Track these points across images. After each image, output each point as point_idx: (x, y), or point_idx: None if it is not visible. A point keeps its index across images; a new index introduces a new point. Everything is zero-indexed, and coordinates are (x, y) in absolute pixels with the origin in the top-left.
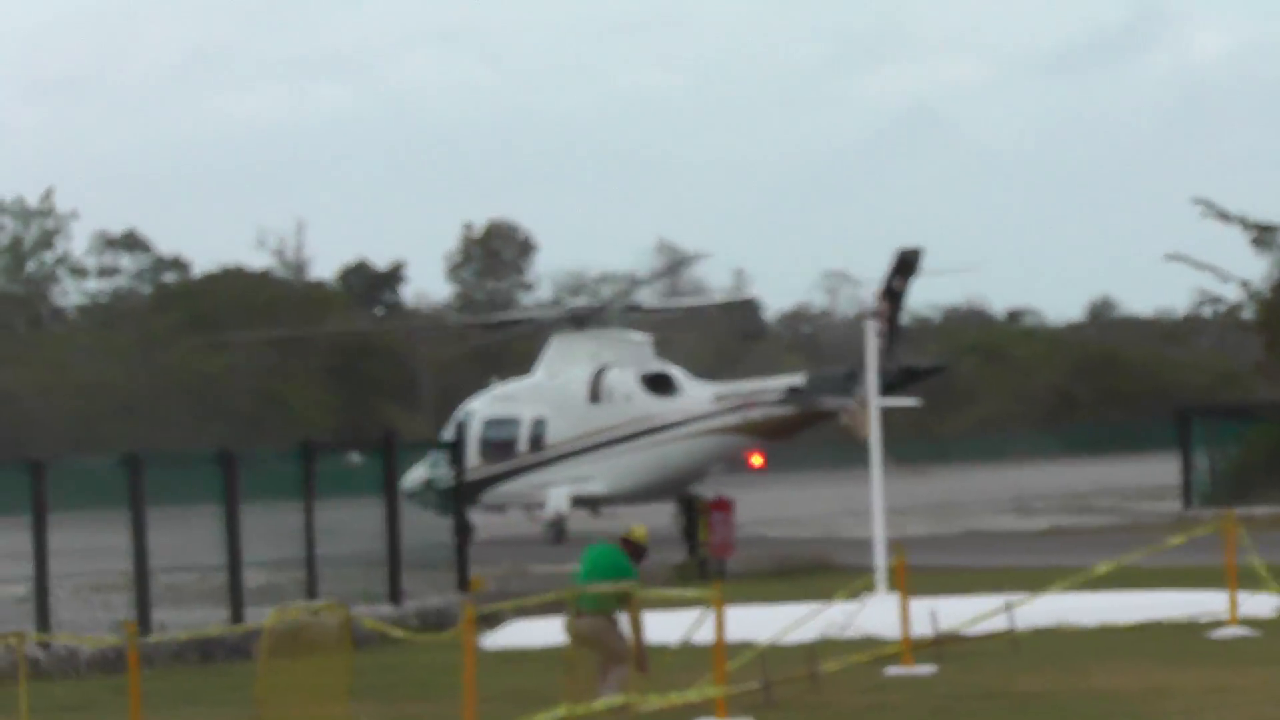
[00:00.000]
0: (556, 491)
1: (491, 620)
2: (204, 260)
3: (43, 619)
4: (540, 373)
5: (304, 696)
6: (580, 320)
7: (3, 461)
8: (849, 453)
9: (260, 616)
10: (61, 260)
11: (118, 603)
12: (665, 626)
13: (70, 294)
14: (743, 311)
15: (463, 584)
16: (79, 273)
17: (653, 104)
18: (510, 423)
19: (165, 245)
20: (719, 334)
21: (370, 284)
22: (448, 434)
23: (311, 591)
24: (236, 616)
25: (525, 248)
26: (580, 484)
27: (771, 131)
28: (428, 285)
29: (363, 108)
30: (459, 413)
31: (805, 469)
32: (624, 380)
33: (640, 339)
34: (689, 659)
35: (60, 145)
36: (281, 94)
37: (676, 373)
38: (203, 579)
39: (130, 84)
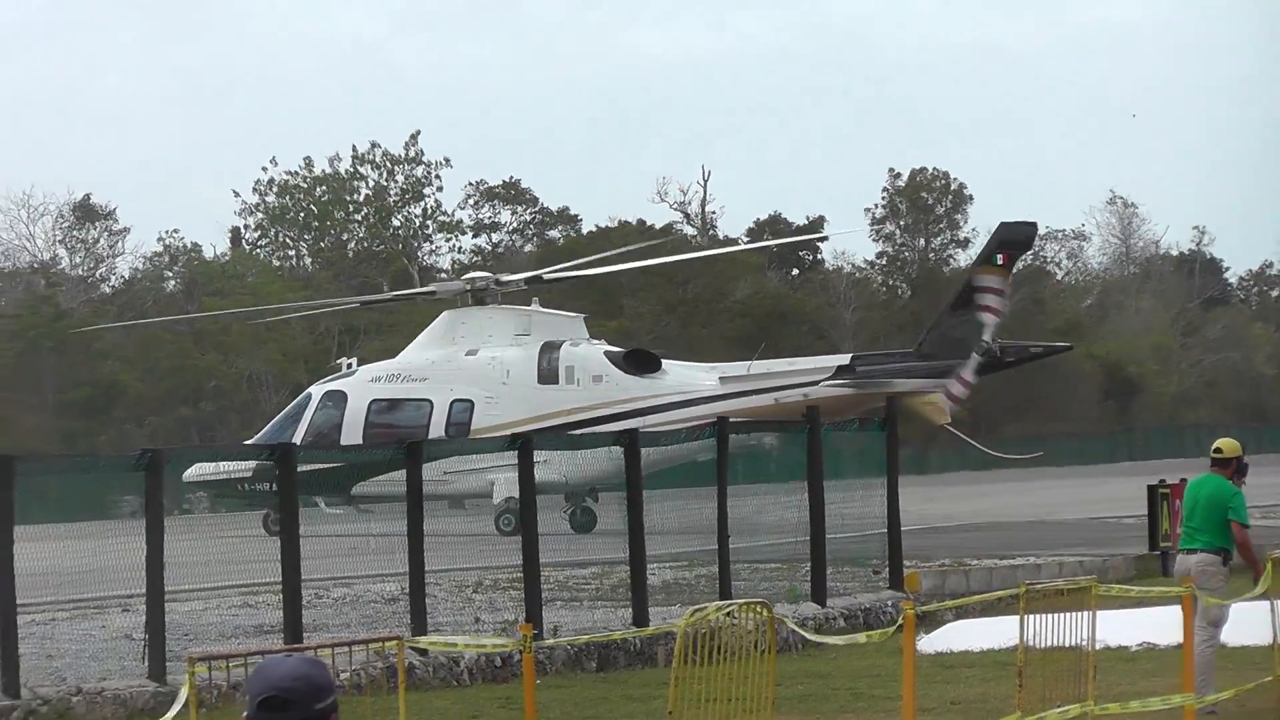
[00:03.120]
0: (505, 478)
1: (928, 621)
2: (594, 214)
3: (419, 621)
4: (435, 350)
5: (721, 707)
6: (479, 295)
7: (373, 448)
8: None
9: (663, 617)
10: (432, 214)
11: (502, 603)
12: (1126, 626)
13: (442, 252)
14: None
15: (896, 581)
16: (452, 228)
17: (1113, 45)
18: (411, 405)
19: (550, 197)
20: (1175, 298)
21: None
22: (287, 421)
23: (724, 590)
24: (640, 618)
25: (958, 199)
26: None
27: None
28: (849, 243)
29: (784, 42)
30: (302, 397)
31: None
32: (589, 358)
33: (571, 315)
34: (1157, 663)
35: (431, 85)
36: (690, 28)
37: (656, 353)
38: (600, 576)
39: (522, 19)
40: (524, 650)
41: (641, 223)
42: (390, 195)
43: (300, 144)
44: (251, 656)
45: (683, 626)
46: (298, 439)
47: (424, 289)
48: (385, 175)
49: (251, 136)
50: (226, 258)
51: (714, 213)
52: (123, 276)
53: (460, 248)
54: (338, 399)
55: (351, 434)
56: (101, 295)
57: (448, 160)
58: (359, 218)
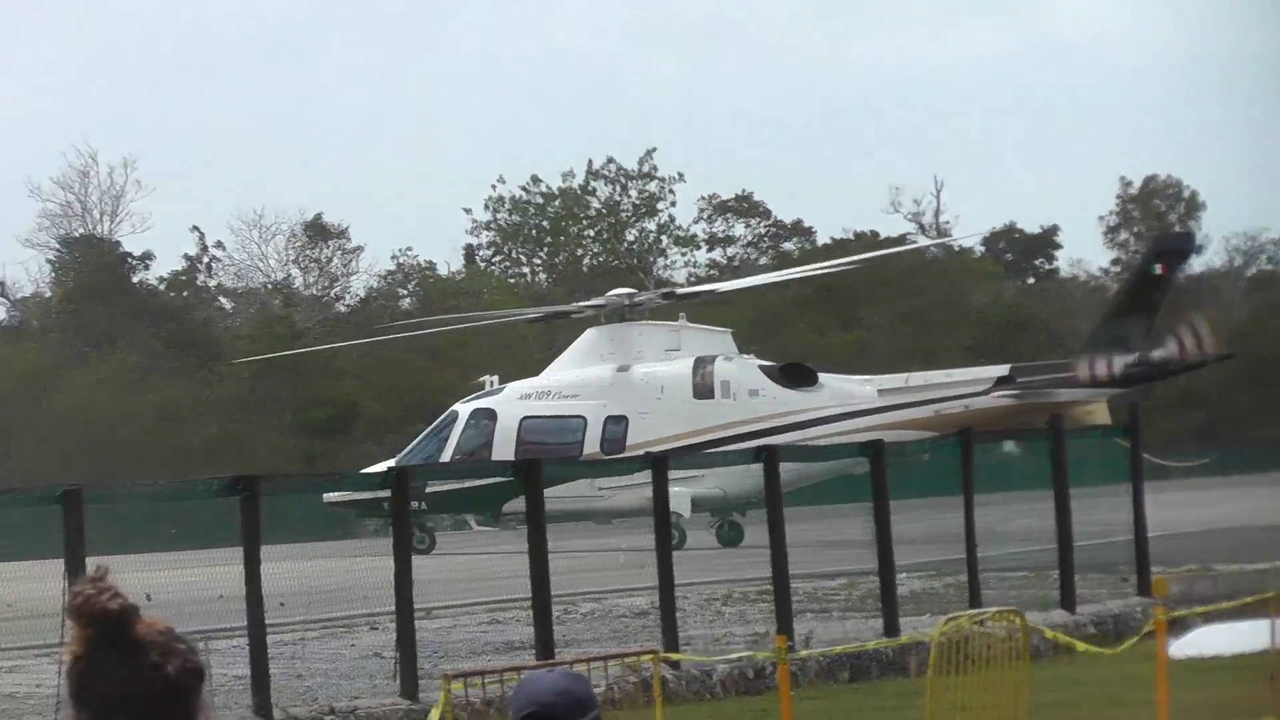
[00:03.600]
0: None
1: (1176, 626)
2: (829, 226)
3: (670, 635)
4: (583, 367)
5: (975, 716)
6: (622, 312)
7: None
8: None
9: (913, 627)
10: (666, 228)
11: (752, 615)
12: None
13: (677, 266)
14: None
15: (1144, 587)
16: (686, 242)
17: None
18: (564, 422)
19: (784, 210)
20: None
21: (1021, 251)
22: (431, 440)
23: (974, 598)
24: (891, 628)
25: (1191, 207)
26: (693, 485)
27: None
28: (1084, 250)
29: (1013, 52)
30: (447, 415)
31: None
32: (744, 372)
33: (720, 330)
34: None
35: (662, 100)
36: (919, 38)
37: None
38: (849, 587)
39: (752, 32)
40: (779, 661)
41: (874, 234)
42: (623, 211)
43: (533, 160)
44: (505, 673)
45: (936, 636)
46: (445, 458)
47: (568, 307)
48: (619, 190)
49: (484, 153)
50: (461, 275)
51: (947, 222)
52: (357, 295)
53: (695, 262)
54: (487, 417)
55: (502, 451)
56: (336, 314)
57: (681, 175)
58: (592, 233)
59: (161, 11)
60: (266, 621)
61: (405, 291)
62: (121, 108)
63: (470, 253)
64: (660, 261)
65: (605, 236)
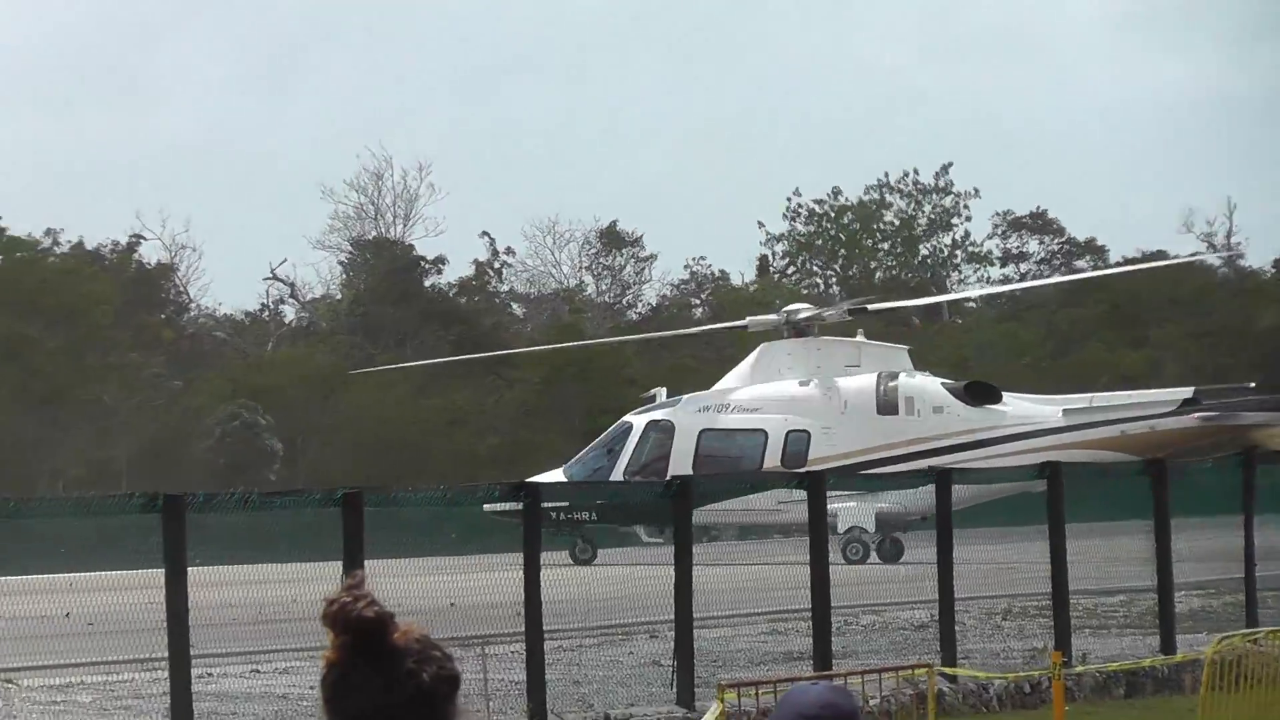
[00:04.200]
0: (849, 508)
1: None
2: (1121, 245)
3: (948, 648)
4: (760, 381)
5: None
6: (798, 327)
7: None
8: None
9: (1190, 645)
10: (960, 244)
11: (1031, 630)
12: None
13: (970, 281)
14: None
15: None
16: (980, 259)
17: None
18: (744, 435)
19: (1077, 228)
20: None
21: None
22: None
23: (1251, 617)
24: (1167, 645)
25: None
26: (876, 502)
27: None
28: None
29: None
30: (619, 425)
31: None
32: (927, 389)
33: (898, 346)
34: None
35: (960, 115)
36: (1216, 59)
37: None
38: (1127, 604)
39: (1051, 48)
40: (1054, 677)
41: (1163, 253)
42: (918, 225)
43: (827, 173)
44: (780, 683)
45: (1210, 654)
46: (620, 469)
47: (737, 322)
48: (914, 205)
49: (780, 164)
50: (754, 286)
51: (1239, 244)
52: (649, 304)
53: (988, 278)
54: (664, 429)
55: (680, 463)
56: (627, 322)
57: (976, 190)
58: (886, 247)
59: (456, 16)
60: (545, 628)
61: (698, 301)
62: (417, 111)
63: (764, 263)
64: (953, 276)
65: (899, 250)
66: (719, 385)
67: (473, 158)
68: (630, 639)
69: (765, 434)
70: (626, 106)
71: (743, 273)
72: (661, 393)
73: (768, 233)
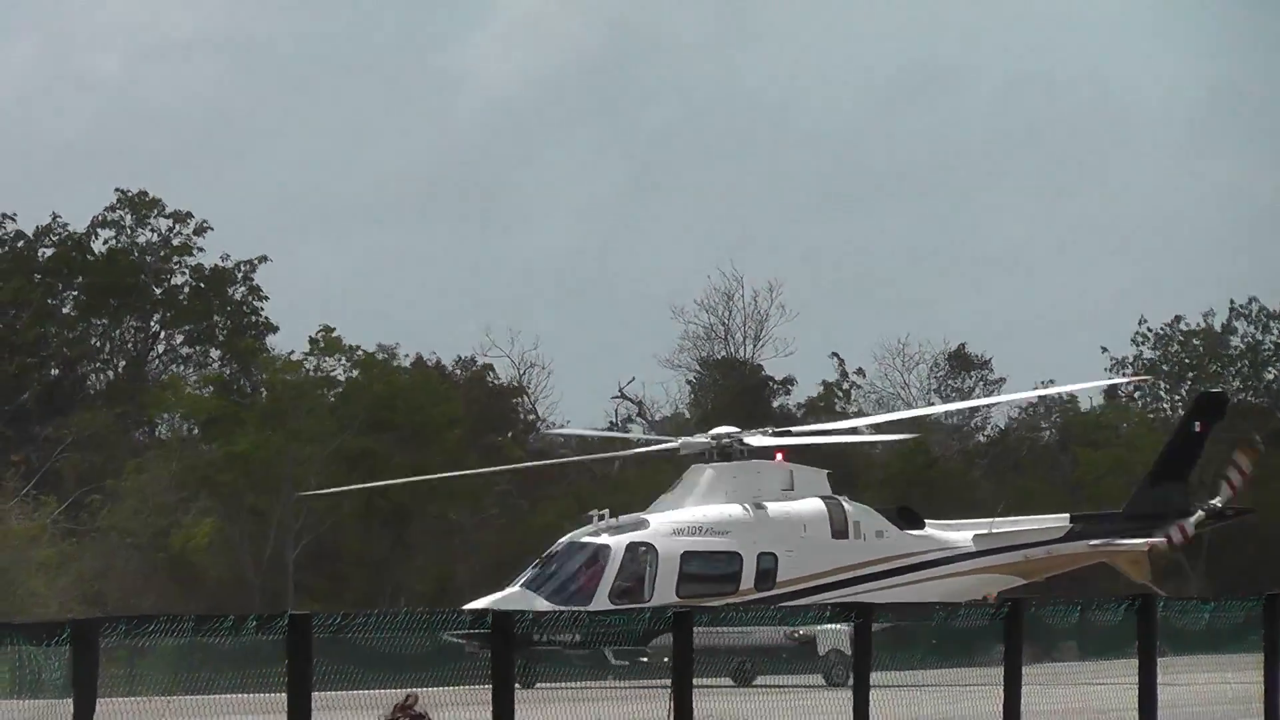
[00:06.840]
0: (828, 629)
1: None
2: None
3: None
4: (703, 504)
5: None
6: (724, 450)
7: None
8: None
9: None
10: None
11: None
12: None
13: None
14: None
15: None
16: None
17: None
18: (722, 558)
19: None
20: None
21: None
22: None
23: None
24: None
25: None
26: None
27: None
28: None
29: None
30: (556, 548)
31: None
32: (870, 513)
33: (820, 470)
34: None
35: None
36: None
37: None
38: None
39: None
40: None
41: None
42: (1264, 349)
43: (1179, 300)
44: None
45: None
46: (603, 591)
47: (677, 443)
48: (1260, 329)
49: (1125, 290)
50: (1102, 409)
51: None
52: (997, 426)
53: None
54: (645, 550)
55: (665, 584)
56: (975, 444)
57: None
58: (1233, 370)
59: (804, 144)
60: None
61: (1045, 425)
62: (768, 232)
63: (1112, 387)
64: None
65: (1246, 373)
66: (654, 507)
67: (824, 277)
68: None
69: (740, 556)
70: (974, 229)
71: (1091, 396)
72: (602, 515)
73: (1112, 358)
